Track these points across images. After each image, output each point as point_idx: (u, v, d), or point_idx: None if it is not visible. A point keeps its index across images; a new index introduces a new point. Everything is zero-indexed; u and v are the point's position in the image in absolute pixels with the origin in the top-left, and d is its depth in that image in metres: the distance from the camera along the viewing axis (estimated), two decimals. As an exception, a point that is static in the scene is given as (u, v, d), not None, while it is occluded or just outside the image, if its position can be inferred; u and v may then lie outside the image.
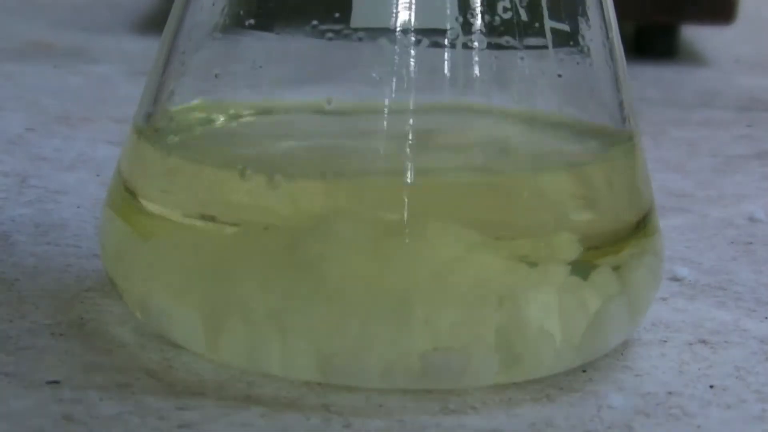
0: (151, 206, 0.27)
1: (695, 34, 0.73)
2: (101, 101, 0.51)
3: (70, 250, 0.32)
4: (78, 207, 0.36)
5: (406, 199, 0.24)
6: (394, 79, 0.25)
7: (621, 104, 0.27)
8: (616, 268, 0.26)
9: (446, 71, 0.25)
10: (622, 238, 0.27)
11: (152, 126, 0.27)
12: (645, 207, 0.27)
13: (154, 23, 0.68)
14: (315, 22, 0.26)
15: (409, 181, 0.25)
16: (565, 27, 0.26)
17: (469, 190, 0.25)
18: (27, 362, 0.25)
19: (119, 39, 0.66)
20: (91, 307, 0.28)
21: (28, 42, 0.63)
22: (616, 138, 0.27)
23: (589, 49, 0.27)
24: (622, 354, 0.27)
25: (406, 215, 0.24)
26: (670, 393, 0.26)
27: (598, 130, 0.28)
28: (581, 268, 0.25)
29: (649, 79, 0.62)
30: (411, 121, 0.25)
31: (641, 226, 0.27)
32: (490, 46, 0.25)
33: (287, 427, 0.23)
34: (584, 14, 0.26)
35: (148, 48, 0.28)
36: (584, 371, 0.26)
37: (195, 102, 0.28)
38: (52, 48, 0.62)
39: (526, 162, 0.28)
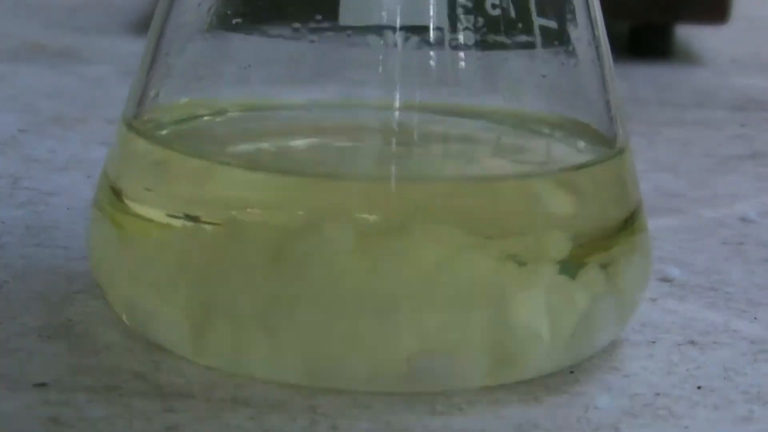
0: (135, 207, 0.26)
1: (690, 34, 0.73)
2: (95, 102, 0.51)
3: (60, 252, 0.32)
4: (68, 209, 0.36)
5: (394, 200, 0.24)
6: (382, 78, 0.25)
7: (608, 103, 0.27)
8: (604, 266, 0.26)
9: (434, 70, 0.25)
10: (609, 236, 0.26)
11: (137, 126, 0.27)
12: (632, 204, 0.27)
13: (148, 24, 0.68)
14: (303, 21, 0.26)
15: (396, 181, 0.25)
16: (552, 25, 0.26)
17: (457, 190, 0.25)
18: (15, 364, 0.25)
19: (113, 40, 0.66)
20: (80, 309, 0.28)
21: (22, 42, 0.63)
22: (604, 136, 0.27)
23: (575, 48, 0.27)
24: (610, 355, 0.27)
25: (393, 216, 0.24)
26: (657, 394, 0.26)
27: (585, 128, 0.28)
28: (570, 267, 0.25)
29: (643, 79, 0.62)
30: (398, 120, 0.25)
31: (629, 224, 0.27)
32: (478, 44, 0.25)
33: (274, 429, 0.23)
34: (571, 13, 0.26)
35: (143, 49, 0.28)
36: (572, 372, 0.26)
37: (180, 102, 0.28)
38: (46, 49, 0.62)
39: (515, 161, 0.28)
